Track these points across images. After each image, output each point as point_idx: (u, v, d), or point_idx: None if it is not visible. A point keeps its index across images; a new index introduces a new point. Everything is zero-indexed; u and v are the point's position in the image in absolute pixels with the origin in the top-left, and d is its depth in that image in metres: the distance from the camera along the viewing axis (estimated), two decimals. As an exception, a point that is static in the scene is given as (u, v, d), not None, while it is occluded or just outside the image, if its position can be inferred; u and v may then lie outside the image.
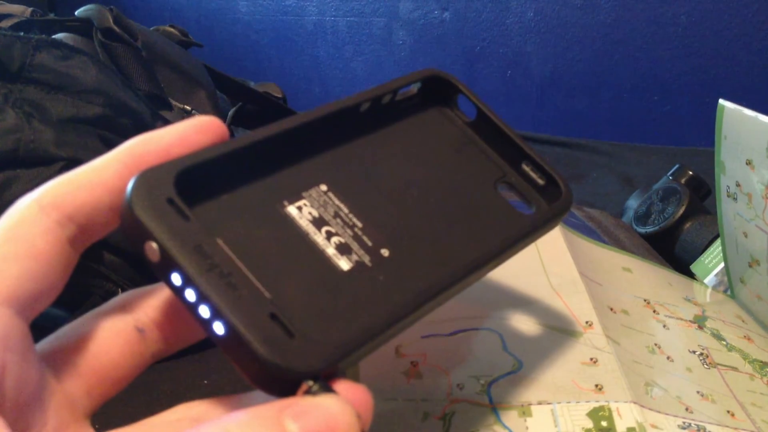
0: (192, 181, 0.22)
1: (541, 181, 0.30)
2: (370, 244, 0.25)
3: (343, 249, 0.24)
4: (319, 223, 0.24)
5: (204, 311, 0.20)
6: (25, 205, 0.20)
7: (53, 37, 0.49)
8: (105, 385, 0.22)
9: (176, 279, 0.20)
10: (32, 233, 0.20)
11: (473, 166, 0.30)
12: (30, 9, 0.62)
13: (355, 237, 0.24)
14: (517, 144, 0.30)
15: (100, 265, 0.47)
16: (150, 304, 0.24)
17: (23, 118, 0.45)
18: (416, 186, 0.28)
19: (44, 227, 0.20)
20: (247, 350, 0.19)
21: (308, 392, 0.19)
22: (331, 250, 0.24)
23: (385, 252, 0.25)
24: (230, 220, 0.23)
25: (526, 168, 0.30)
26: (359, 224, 0.25)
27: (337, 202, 0.25)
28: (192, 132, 0.23)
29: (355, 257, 0.24)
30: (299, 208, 0.24)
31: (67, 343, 0.22)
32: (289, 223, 0.24)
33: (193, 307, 0.20)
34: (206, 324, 0.20)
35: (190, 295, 0.20)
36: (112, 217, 0.21)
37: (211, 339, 0.20)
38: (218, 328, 0.20)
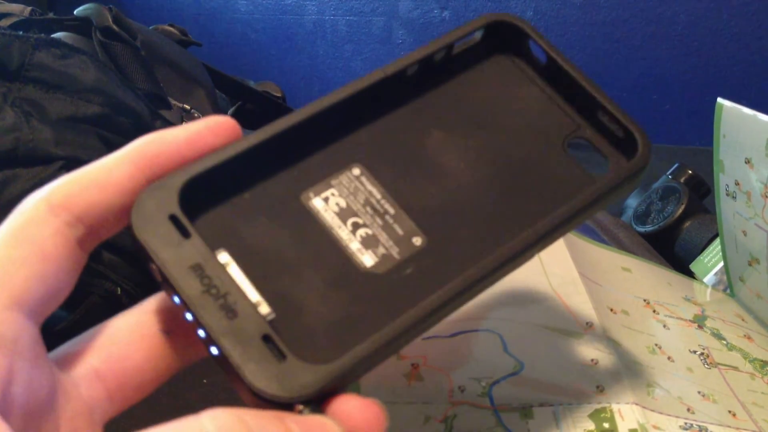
0: (201, 188, 0.21)
1: (619, 134, 0.25)
2: (401, 233, 0.23)
3: (370, 242, 0.22)
4: (345, 214, 0.23)
5: (201, 333, 0.20)
6: (33, 204, 0.20)
7: (52, 36, 0.49)
8: (128, 391, 0.22)
9: (177, 299, 0.20)
10: (41, 235, 0.20)
11: (541, 121, 0.26)
12: (29, 8, 0.62)
13: (385, 226, 0.23)
14: (589, 92, 0.26)
15: (99, 264, 0.47)
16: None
17: (22, 117, 0.44)
18: (469, 153, 0.25)
19: (53, 229, 0.20)
20: (237, 374, 0.19)
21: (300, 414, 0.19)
22: (355, 245, 0.22)
23: (417, 240, 0.23)
24: (244, 224, 0.22)
25: (602, 119, 0.26)
26: (391, 210, 0.23)
27: (369, 187, 0.23)
28: (205, 132, 0.22)
29: (381, 250, 0.22)
30: (326, 200, 0.23)
31: (88, 347, 0.21)
32: (312, 218, 0.23)
33: (193, 327, 0.20)
34: (205, 344, 0.20)
35: (189, 316, 0.20)
36: (122, 217, 0.21)
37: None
38: (213, 350, 0.20)
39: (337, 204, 0.23)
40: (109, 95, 0.49)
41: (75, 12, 0.60)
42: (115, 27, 0.58)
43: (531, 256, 0.23)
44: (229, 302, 0.20)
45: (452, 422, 0.33)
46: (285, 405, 0.19)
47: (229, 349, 0.19)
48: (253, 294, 0.21)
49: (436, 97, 0.26)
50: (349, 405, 0.19)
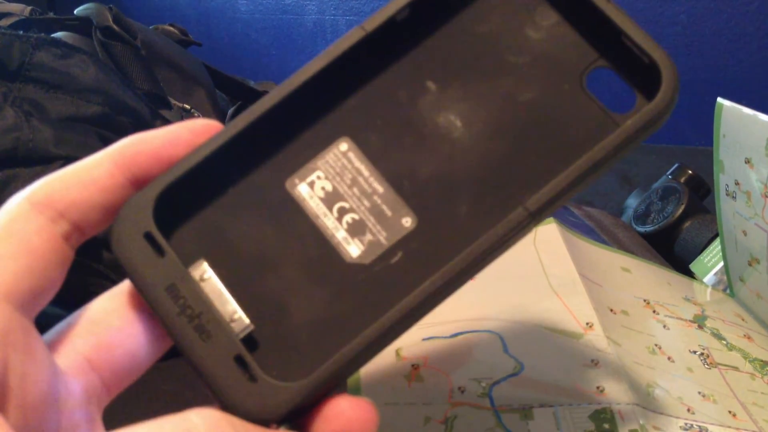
0: (177, 196, 0.21)
1: (645, 61, 0.22)
2: (389, 214, 0.21)
3: (356, 228, 0.21)
4: (332, 199, 0.22)
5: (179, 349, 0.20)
6: (16, 203, 0.20)
7: (52, 35, 0.49)
8: (122, 376, 0.22)
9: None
10: (26, 230, 0.20)
11: (555, 53, 0.22)
12: (29, 8, 0.62)
13: (373, 208, 0.21)
14: (608, 14, 0.22)
15: (99, 264, 0.47)
16: None
17: (22, 116, 0.44)
18: (470, 105, 0.22)
19: (38, 224, 0.20)
20: (212, 392, 0.20)
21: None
22: (341, 234, 0.21)
23: (407, 221, 0.21)
24: (225, 224, 0.22)
25: (624, 48, 0.22)
26: (380, 189, 0.21)
27: (356, 164, 0.22)
28: (185, 134, 0.22)
29: (369, 237, 0.21)
30: (311, 185, 0.22)
31: (77, 335, 0.21)
32: (296, 208, 0.22)
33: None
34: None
35: (167, 334, 0.20)
36: (105, 215, 0.21)
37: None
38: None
39: (323, 188, 0.22)
40: (110, 95, 0.49)
41: (75, 11, 0.60)
42: (115, 27, 0.58)
43: (537, 222, 0.21)
44: (203, 322, 0.20)
45: (452, 423, 0.33)
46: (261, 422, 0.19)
47: (204, 372, 0.20)
48: (229, 307, 0.21)
49: (435, 44, 0.22)
50: (341, 406, 0.20)
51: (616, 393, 0.34)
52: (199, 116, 0.62)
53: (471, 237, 0.20)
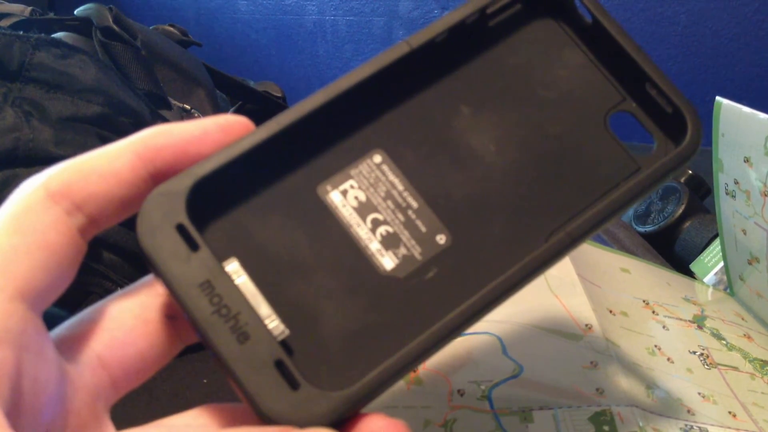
0: (209, 191, 0.20)
1: (667, 110, 0.23)
2: (423, 230, 0.21)
3: (390, 241, 0.21)
4: (365, 209, 0.21)
5: (211, 351, 0.19)
6: (31, 191, 0.19)
7: (52, 36, 0.49)
8: (131, 377, 0.21)
9: (185, 315, 0.20)
10: (42, 223, 0.19)
11: (582, 92, 0.23)
12: (29, 8, 0.62)
13: (407, 223, 0.21)
14: (636, 60, 0.23)
15: (99, 264, 0.47)
16: None
17: (22, 117, 0.44)
18: (502, 133, 0.23)
19: (54, 217, 0.19)
20: (248, 399, 0.19)
21: None
22: (375, 246, 0.21)
23: (441, 239, 0.21)
24: (256, 225, 0.21)
25: (649, 93, 0.23)
26: (414, 204, 0.22)
27: (391, 177, 0.22)
28: (214, 131, 0.21)
29: (403, 251, 0.21)
30: (344, 193, 0.21)
31: (90, 332, 0.20)
32: (329, 215, 0.21)
33: (204, 344, 0.20)
34: (214, 360, 0.19)
35: (198, 334, 0.19)
36: (121, 209, 0.20)
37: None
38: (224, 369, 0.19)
39: (356, 198, 0.21)
40: (110, 95, 0.49)
41: (75, 12, 0.60)
42: (115, 27, 0.58)
43: (566, 255, 0.22)
44: (240, 323, 0.19)
45: (452, 426, 0.33)
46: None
47: (240, 376, 0.19)
48: (265, 310, 0.20)
49: (469, 71, 0.23)
50: (377, 425, 0.19)
51: (615, 395, 0.34)
52: (199, 116, 0.62)
53: (506, 259, 0.21)
